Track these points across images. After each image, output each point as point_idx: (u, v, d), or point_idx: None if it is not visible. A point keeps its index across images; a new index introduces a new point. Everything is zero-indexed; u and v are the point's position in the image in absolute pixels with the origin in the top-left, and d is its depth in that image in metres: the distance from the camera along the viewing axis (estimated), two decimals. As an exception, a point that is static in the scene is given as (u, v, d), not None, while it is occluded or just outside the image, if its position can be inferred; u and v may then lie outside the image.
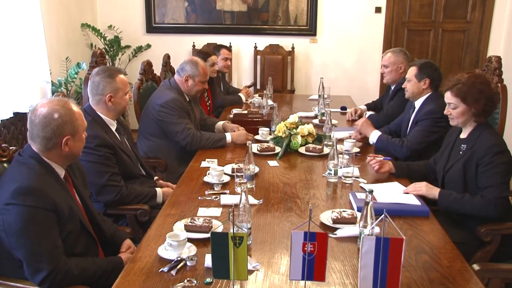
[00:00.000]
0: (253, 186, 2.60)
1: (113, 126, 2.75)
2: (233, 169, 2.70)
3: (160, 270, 1.78)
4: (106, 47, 6.00)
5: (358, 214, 2.13)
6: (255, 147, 3.16)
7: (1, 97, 4.05)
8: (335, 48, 6.24)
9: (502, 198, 2.35)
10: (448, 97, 2.50)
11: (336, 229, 2.11)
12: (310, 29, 6.17)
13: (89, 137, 2.21)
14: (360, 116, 4.11)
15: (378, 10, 6.08)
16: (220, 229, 1.97)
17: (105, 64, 3.72)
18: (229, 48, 5.32)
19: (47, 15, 4.85)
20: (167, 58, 4.74)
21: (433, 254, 1.94)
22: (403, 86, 3.34)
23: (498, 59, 3.26)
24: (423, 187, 2.50)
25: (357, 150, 3.22)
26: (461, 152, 2.51)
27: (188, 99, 3.56)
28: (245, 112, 4.35)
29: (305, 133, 3.28)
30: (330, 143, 3.07)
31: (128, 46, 6.23)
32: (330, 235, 2.02)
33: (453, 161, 2.55)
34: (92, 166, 2.53)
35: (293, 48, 6.20)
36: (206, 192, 2.54)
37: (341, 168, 2.73)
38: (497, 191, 2.34)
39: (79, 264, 1.92)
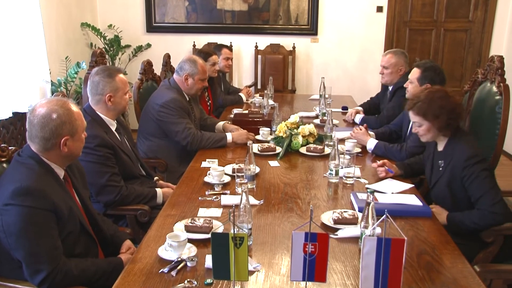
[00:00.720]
0: (254, 186, 2.60)
1: (113, 126, 2.74)
2: (233, 169, 2.70)
3: (160, 271, 1.78)
4: (106, 46, 5.99)
5: (359, 215, 2.12)
6: (255, 147, 3.16)
7: (0, 97, 4.04)
8: (336, 47, 6.23)
9: (498, 202, 2.33)
10: (411, 116, 2.53)
11: (337, 229, 2.10)
12: (311, 29, 6.17)
13: (89, 137, 2.20)
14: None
15: (379, 9, 6.08)
16: (220, 230, 1.96)
17: (105, 63, 3.71)
18: (230, 48, 5.30)
19: (46, 14, 4.84)
20: (167, 57, 4.73)
21: (434, 254, 1.93)
22: (405, 85, 3.32)
23: (501, 58, 3.24)
24: (434, 210, 2.47)
25: (358, 150, 3.21)
26: (440, 169, 2.51)
27: (188, 99, 3.55)
28: (246, 112, 4.34)
29: (306, 133, 3.27)
30: (331, 143, 3.06)
31: (128, 46, 6.23)
32: (331, 235, 2.01)
33: (436, 178, 2.55)
34: (92, 166, 2.52)
35: (294, 47, 6.20)
36: (207, 193, 2.53)
37: (342, 168, 2.73)
38: (489, 199, 2.33)
39: (79, 265, 1.91)
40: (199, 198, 2.46)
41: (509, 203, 2.79)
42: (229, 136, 3.40)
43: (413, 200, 2.38)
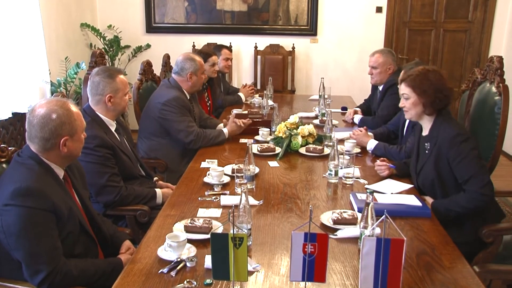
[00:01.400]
0: (253, 186, 2.59)
1: (113, 126, 2.74)
2: (233, 169, 2.70)
3: (159, 271, 1.77)
4: (106, 47, 5.99)
5: (359, 215, 2.12)
6: (255, 148, 3.16)
7: (0, 97, 4.04)
8: (335, 48, 6.23)
9: (487, 183, 2.34)
10: (402, 88, 2.56)
11: (336, 230, 2.10)
12: (310, 29, 6.17)
13: (89, 138, 2.20)
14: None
15: (379, 9, 6.08)
16: (220, 230, 1.96)
17: (104, 64, 3.71)
18: (230, 48, 5.31)
19: (46, 15, 4.84)
20: (167, 58, 4.74)
21: (434, 255, 1.93)
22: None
23: (500, 59, 3.24)
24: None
25: (358, 150, 3.21)
26: (426, 151, 2.52)
27: (188, 97, 3.56)
28: (246, 112, 4.34)
29: (305, 134, 3.28)
30: (331, 143, 3.06)
31: (127, 46, 6.23)
32: (331, 236, 2.01)
33: (422, 162, 2.55)
34: (91, 166, 2.53)
35: (293, 48, 6.20)
36: (206, 193, 2.53)
37: (341, 168, 2.73)
38: (478, 180, 2.33)
39: (79, 265, 1.91)
40: (199, 199, 2.46)
41: (508, 203, 2.80)
42: (225, 131, 3.47)
43: (413, 201, 2.38)
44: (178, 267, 1.78)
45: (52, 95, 4.20)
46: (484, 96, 3.28)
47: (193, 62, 3.51)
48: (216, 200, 2.45)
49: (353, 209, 2.31)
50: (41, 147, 1.92)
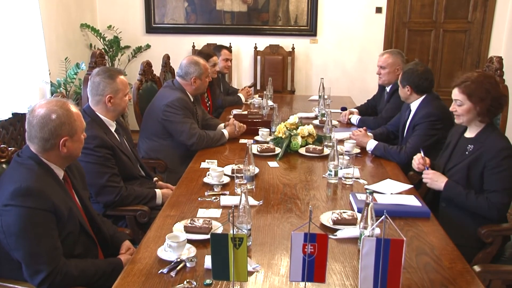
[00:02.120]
0: (253, 187, 2.60)
1: (113, 127, 2.74)
2: (233, 170, 2.70)
3: (159, 272, 1.78)
4: (106, 47, 5.99)
5: (359, 215, 2.12)
6: (255, 148, 3.16)
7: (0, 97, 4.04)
8: (335, 48, 6.23)
9: (505, 204, 2.37)
10: (455, 93, 2.50)
11: (336, 230, 2.10)
12: (310, 30, 6.17)
13: (89, 138, 2.20)
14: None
15: (378, 10, 6.08)
16: (220, 230, 1.96)
17: (104, 64, 3.71)
18: (229, 49, 5.31)
19: (46, 15, 4.84)
20: (166, 58, 4.74)
21: (434, 255, 1.93)
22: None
23: (500, 59, 3.25)
24: (429, 176, 2.53)
25: (358, 151, 3.21)
26: (467, 152, 2.51)
27: (192, 99, 3.57)
28: (245, 112, 4.34)
29: (305, 134, 3.28)
30: (331, 144, 3.07)
31: (127, 47, 6.23)
32: (330, 236, 2.01)
33: (457, 161, 2.54)
34: (91, 167, 2.53)
35: (293, 48, 6.20)
36: (206, 193, 2.53)
37: (341, 169, 2.73)
38: (502, 197, 2.36)
39: (79, 265, 1.91)
40: (199, 199, 2.46)
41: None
42: (226, 133, 3.48)
43: (412, 201, 2.38)
44: (178, 268, 1.79)
45: (52, 95, 4.20)
46: (483, 97, 3.28)
47: (197, 66, 3.51)
48: (216, 200, 2.45)
49: (352, 210, 2.31)
50: (41, 147, 1.92)
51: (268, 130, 3.55)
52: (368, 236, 1.83)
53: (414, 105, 3.26)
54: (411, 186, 2.64)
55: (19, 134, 4.26)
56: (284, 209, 2.36)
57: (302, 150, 3.21)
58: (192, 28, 6.24)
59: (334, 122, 3.79)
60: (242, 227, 1.91)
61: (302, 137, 3.27)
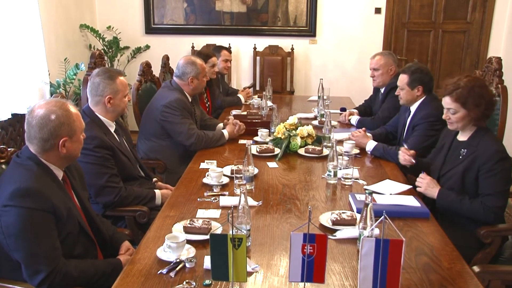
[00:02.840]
0: (252, 187, 2.60)
1: (112, 127, 2.74)
2: (232, 170, 2.70)
3: (159, 272, 1.78)
4: (105, 48, 5.99)
5: (358, 216, 2.12)
6: (254, 149, 3.16)
7: (-1, 98, 4.05)
8: (334, 49, 6.23)
9: (502, 206, 2.37)
10: (448, 102, 2.47)
11: (335, 230, 2.10)
12: (309, 30, 6.17)
13: (88, 138, 2.21)
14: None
15: (378, 11, 6.08)
16: (219, 231, 1.96)
17: (103, 65, 3.72)
18: (229, 50, 5.31)
19: (45, 16, 4.84)
20: (166, 59, 4.74)
21: (433, 255, 1.94)
22: (396, 93, 3.34)
23: (499, 60, 3.26)
24: (424, 182, 2.51)
25: (357, 151, 3.21)
26: (461, 157, 2.50)
27: (190, 100, 3.57)
28: (244, 113, 4.34)
29: (304, 135, 3.28)
30: (330, 144, 3.06)
31: (127, 47, 6.23)
32: (330, 236, 2.02)
33: (452, 165, 2.53)
34: (91, 167, 2.53)
35: (292, 49, 6.20)
36: (205, 194, 2.53)
37: (340, 169, 2.73)
38: (497, 200, 2.36)
39: (78, 266, 1.91)
40: (198, 199, 2.46)
41: (508, 205, 2.80)
42: (226, 133, 3.48)
43: (411, 201, 2.39)
44: (177, 268, 1.79)
45: (51, 96, 4.20)
46: (483, 97, 3.28)
47: (194, 66, 3.51)
48: (215, 201, 2.45)
49: (352, 210, 2.31)
50: (40, 148, 1.92)
51: (268, 130, 3.55)
52: (368, 236, 1.83)
53: (413, 107, 3.26)
54: (410, 186, 2.64)
55: (19, 134, 4.26)
56: (284, 209, 2.36)
57: (301, 151, 3.21)
58: (192, 29, 6.24)
59: (334, 123, 3.79)
60: (242, 227, 1.91)
61: (302, 138, 3.27)
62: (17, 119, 4.24)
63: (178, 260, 1.82)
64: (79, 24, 5.78)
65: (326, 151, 3.17)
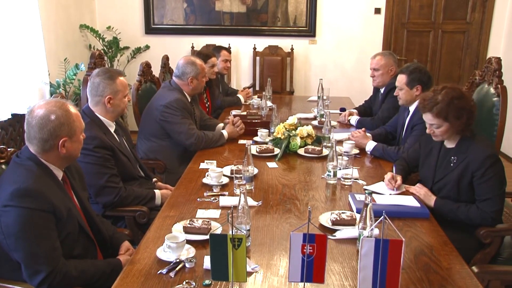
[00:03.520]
0: (252, 187, 2.60)
1: (112, 127, 2.74)
2: (232, 170, 2.70)
3: (158, 272, 1.78)
4: (105, 48, 5.99)
5: (357, 216, 2.12)
6: (254, 149, 3.16)
7: (-1, 98, 4.05)
8: (334, 49, 6.24)
9: (498, 210, 2.36)
10: (429, 118, 2.44)
11: (335, 230, 2.10)
12: (309, 30, 6.17)
13: (88, 139, 2.21)
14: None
15: (377, 11, 6.09)
16: (219, 231, 1.97)
17: (103, 65, 3.72)
18: (229, 50, 5.32)
19: (45, 16, 4.84)
20: (166, 59, 4.74)
21: (432, 256, 1.94)
22: (395, 93, 3.34)
23: (498, 60, 3.25)
24: (421, 192, 2.50)
25: (357, 151, 3.22)
26: (452, 164, 2.48)
27: (189, 100, 3.57)
28: (244, 113, 4.34)
29: (304, 135, 3.28)
30: (329, 144, 3.06)
31: (126, 47, 6.23)
32: (329, 236, 2.02)
33: (443, 173, 2.51)
34: (91, 167, 2.53)
35: (292, 49, 6.20)
36: (205, 194, 2.53)
37: (340, 169, 2.73)
38: (494, 203, 2.35)
39: (78, 266, 1.91)
40: (198, 199, 2.46)
41: (507, 205, 2.80)
42: (225, 133, 3.48)
43: (411, 201, 2.39)
44: (177, 268, 1.79)
45: (51, 96, 4.20)
46: (482, 97, 3.29)
47: (193, 67, 3.51)
48: (215, 201, 2.45)
49: (351, 210, 2.32)
50: (40, 148, 1.92)
51: (267, 130, 3.55)
52: (367, 236, 1.83)
53: (412, 106, 3.26)
54: (410, 186, 2.64)
55: (18, 134, 4.26)
56: (283, 209, 2.36)
57: (301, 151, 3.21)
58: (191, 29, 6.24)
59: (333, 123, 3.80)
60: (241, 227, 1.91)
61: (301, 138, 3.27)
62: (17, 119, 4.24)
63: (178, 260, 1.82)
64: (79, 24, 5.79)
65: (325, 151, 3.17)
